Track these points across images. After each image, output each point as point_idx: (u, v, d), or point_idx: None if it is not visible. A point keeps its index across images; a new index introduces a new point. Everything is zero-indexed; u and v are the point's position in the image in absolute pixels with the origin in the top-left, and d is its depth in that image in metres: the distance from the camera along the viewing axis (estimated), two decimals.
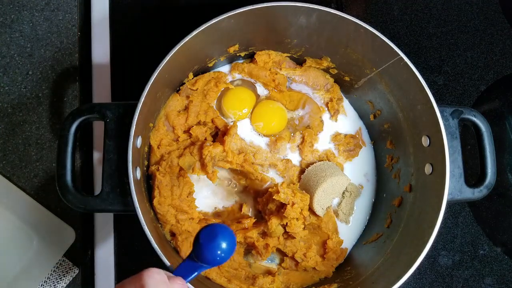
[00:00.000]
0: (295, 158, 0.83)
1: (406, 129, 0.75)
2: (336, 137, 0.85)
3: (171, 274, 0.53)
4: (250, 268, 0.78)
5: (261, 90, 0.85)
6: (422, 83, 0.67)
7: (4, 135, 0.85)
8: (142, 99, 0.63)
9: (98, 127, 0.87)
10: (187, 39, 0.66)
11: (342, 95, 0.87)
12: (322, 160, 0.83)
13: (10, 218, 0.79)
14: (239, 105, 0.82)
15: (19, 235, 0.79)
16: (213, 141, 0.79)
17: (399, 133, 0.77)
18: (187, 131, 0.78)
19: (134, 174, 0.62)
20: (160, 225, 0.73)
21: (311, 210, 0.78)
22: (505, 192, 0.91)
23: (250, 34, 0.76)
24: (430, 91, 0.67)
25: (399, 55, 0.68)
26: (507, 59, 0.98)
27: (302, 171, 0.82)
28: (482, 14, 1.00)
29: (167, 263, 0.60)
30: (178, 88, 0.79)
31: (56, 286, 0.80)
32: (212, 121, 0.80)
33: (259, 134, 0.83)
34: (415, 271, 0.62)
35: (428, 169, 0.69)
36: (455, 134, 0.69)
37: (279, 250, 0.79)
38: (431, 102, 0.66)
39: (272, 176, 0.81)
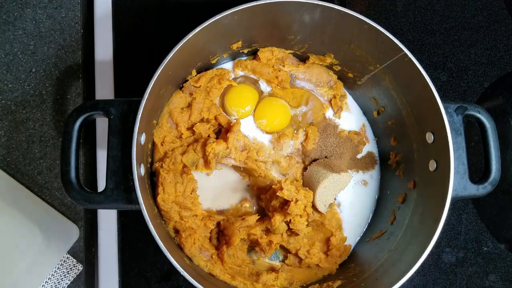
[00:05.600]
0: (298, 155, 0.83)
1: (410, 126, 0.75)
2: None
3: None
4: (254, 265, 0.78)
5: (264, 87, 0.85)
6: (426, 79, 0.66)
7: (7, 133, 0.85)
8: (146, 95, 0.63)
9: (101, 124, 0.87)
10: (190, 36, 0.65)
11: (346, 92, 0.87)
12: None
13: (14, 215, 0.79)
14: (242, 103, 0.82)
15: (23, 232, 0.79)
16: (216, 138, 0.79)
17: (403, 130, 0.77)
18: (191, 128, 0.78)
19: (138, 170, 0.62)
20: (164, 222, 0.73)
21: (314, 207, 0.78)
22: (509, 188, 0.91)
23: (253, 30, 0.76)
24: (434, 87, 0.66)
25: (403, 51, 0.67)
26: (510, 55, 0.98)
27: (305, 168, 0.82)
28: (486, 11, 1.00)
29: (172, 260, 0.60)
30: (181, 85, 0.79)
31: (60, 283, 0.80)
32: (215, 118, 0.80)
33: (262, 131, 0.83)
34: (419, 268, 0.62)
35: (432, 165, 0.69)
36: (460, 131, 0.69)
37: (282, 247, 0.79)
38: (435, 98, 0.66)
39: (275, 174, 0.81)
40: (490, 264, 0.88)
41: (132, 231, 0.84)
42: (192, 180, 0.75)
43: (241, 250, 0.76)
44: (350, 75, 0.83)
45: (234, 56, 0.84)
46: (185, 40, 0.65)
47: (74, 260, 0.81)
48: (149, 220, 0.60)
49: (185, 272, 0.60)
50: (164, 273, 0.83)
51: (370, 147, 0.86)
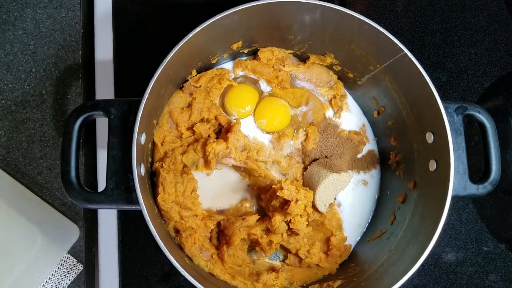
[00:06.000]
0: (298, 155, 0.83)
1: (410, 126, 0.75)
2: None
3: None
4: (254, 264, 0.78)
5: (264, 87, 0.85)
6: (427, 79, 0.66)
7: (7, 133, 0.85)
8: (146, 95, 0.63)
9: (101, 124, 0.87)
10: (190, 36, 0.65)
11: (346, 92, 0.87)
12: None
13: (14, 215, 0.79)
14: (242, 103, 0.82)
15: (23, 232, 0.79)
16: (217, 138, 0.79)
17: (403, 130, 0.77)
18: (191, 128, 0.78)
19: (139, 170, 0.62)
20: (164, 221, 0.73)
21: (314, 207, 0.78)
22: (509, 188, 0.91)
23: (254, 30, 0.76)
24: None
25: (403, 51, 0.67)
26: (511, 55, 0.98)
27: (305, 168, 0.82)
28: (486, 11, 1.00)
29: (172, 259, 0.60)
30: (181, 85, 0.79)
31: (60, 283, 0.80)
32: (216, 118, 0.80)
33: (263, 131, 0.83)
34: (419, 267, 0.62)
35: (432, 165, 0.69)
36: (460, 131, 0.69)
37: (282, 247, 0.79)
38: (435, 98, 0.66)
39: (275, 174, 0.81)
40: (490, 264, 0.88)
41: (132, 231, 0.84)
42: (192, 180, 0.75)
43: (241, 250, 0.76)
44: (350, 75, 0.83)
45: (234, 56, 0.84)
46: (185, 40, 0.65)
47: (74, 260, 0.82)
48: (149, 220, 0.60)
49: (185, 272, 0.60)
50: (164, 273, 0.83)
51: (370, 147, 0.86)
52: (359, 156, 0.85)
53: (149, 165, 0.74)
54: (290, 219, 0.72)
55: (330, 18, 0.70)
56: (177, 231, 0.73)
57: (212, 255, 0.74)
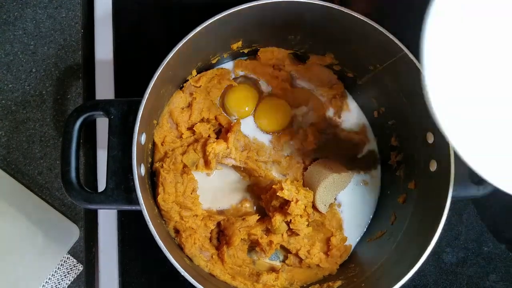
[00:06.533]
0: (298, 155, 0.83)
1: (410, 126, 0.75)
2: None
3: None
4: (254, 265, 0.78)
5: (265, 87, 0.85)
6: None
7: (8, 133, 0.85)
8: (146, 95, 0.63)
9: (101, 124, 0.87)
10: (190, 36, 0.65)
11: (346, 92, 0.87)
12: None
13: (14, 215, 0.79)
14: (242, 103, 0.82)
15: (23, 232, 0.79)
16: (217, 138, 0.79)
17: (404, 130, 0.77)
18: (191, 128, 0.78)
19: (139, 170, 0.62)
20: (164, 222, 0.73)
21: (314, 207, 0.78)
22: None
23: (253, 30, 0.76)
24: None
25: (403, 51, 0.67)
26: None
27: (305, 168, 0.82)
28: None
29: (172, 259, 0.60)
30: (181, 85, 0.79)
31: (60, 283, 0.80)
32: (216, 118, 0.80)
33: (263, 131, 0.83)
34: (419, 268, 0.62)
35: (433, 165, 0.69)
36: None
37: (283, 247, 0.79)
38: None
39: (275, 174, 0.81)
40: (490, 264, 0.88)
41: (132, 231, 0.84)
42: (192, 180, 0.75)
43: (242, 250, 0.76)
44: (350, 75, 0.83)
45: (234, 56, 0.84)
46: (185, 40, 0.65)
47: (74, 260, 0.81)
48: (149, 220, 0.60)
49: (185, 272, 0.60)
50: (164, 273, 0.83)
51: (370, 147, 0.86)
52: (359, 156, 0.85)
53: (149, 165, 0.74)
54: (290, 219, 0.72)
55: (330, 18, 0.70)
56: (177, 231, 0.73)
57: (212, 256, 0.74)
